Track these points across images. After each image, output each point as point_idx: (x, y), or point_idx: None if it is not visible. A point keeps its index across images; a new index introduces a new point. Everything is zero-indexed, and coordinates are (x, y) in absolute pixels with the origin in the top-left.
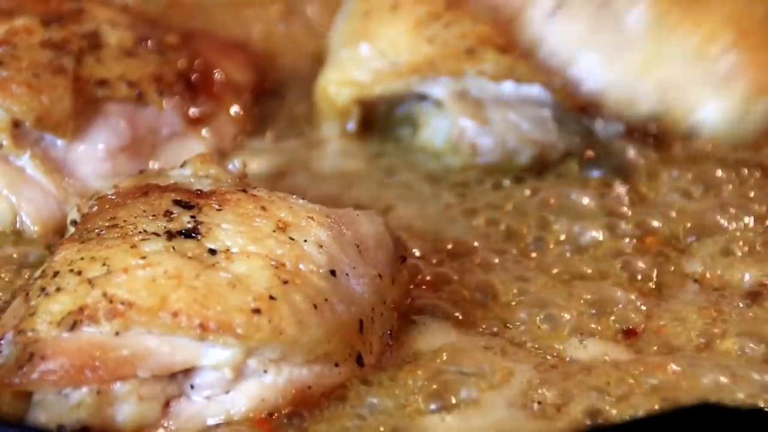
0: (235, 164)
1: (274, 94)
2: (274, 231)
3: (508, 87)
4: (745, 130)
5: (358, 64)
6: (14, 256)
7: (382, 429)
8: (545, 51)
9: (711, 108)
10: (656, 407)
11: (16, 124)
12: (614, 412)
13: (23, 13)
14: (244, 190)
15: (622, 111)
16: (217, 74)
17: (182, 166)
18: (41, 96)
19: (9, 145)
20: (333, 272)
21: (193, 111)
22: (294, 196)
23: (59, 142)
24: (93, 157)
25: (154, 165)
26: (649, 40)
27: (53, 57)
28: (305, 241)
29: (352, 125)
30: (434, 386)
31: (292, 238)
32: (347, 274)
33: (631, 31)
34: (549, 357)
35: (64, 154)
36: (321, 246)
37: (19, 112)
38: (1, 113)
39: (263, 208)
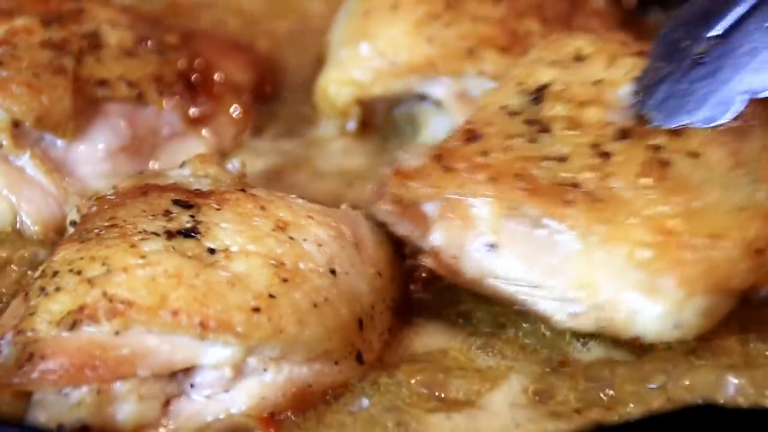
0: (234, 164)
1: (275, 94)
2: (274, 230)
3: None
4: (685, 328)
5: (358, 63)
6: (25, 255)
7: (379, 428)
8: (490, 282)
9: (647, 316)
10: (657, 407)
11: (16, 124)
12: (615, 412)
13: (23, 13)
14: (243, 190)
15: (568, 328)
16: (217, 74)
17: (181, 166)
18: (41, 96)
19: (9, 145)
20: (333, 271)
21: (193, 111)
22: (293, 196)
23: (59, 142)
24: (93, 157)
25: (154, 165)
26: (580, 259)
27: (53, 57)
28: (305, 240)
29: (352, 125)
30: (434, 384)
31: (291, 237)
32: (347, 273)
33: (563, 252)
34: (550, 358)
35: (64, 154)
36: (320, 245)
37: (19, 112)
38: (1, 113)
39: (262, 208)
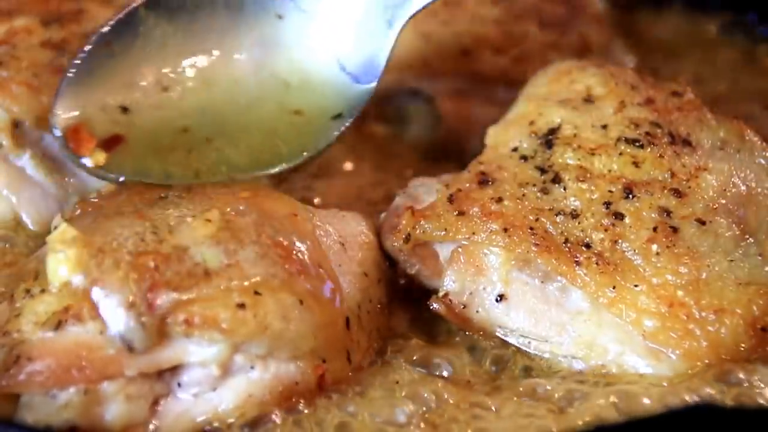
0: None
1: None
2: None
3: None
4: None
5: None
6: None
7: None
8: (499, 332)
9: (650, 376)
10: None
11: (16, 124)
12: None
13: (23, 13)
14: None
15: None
16: None
17: None
18: (41, 96)
19: (9, 145)
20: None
21: None
22: (278, 194)
23: None
24: None
25: None
26: (589, 319)
27: (53, 57)
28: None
29: None
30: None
31: None
32: (332, 272)
33: (572, 310)
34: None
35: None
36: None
37: (19, 112)
38: (1, 113)
39: (248, 205)
